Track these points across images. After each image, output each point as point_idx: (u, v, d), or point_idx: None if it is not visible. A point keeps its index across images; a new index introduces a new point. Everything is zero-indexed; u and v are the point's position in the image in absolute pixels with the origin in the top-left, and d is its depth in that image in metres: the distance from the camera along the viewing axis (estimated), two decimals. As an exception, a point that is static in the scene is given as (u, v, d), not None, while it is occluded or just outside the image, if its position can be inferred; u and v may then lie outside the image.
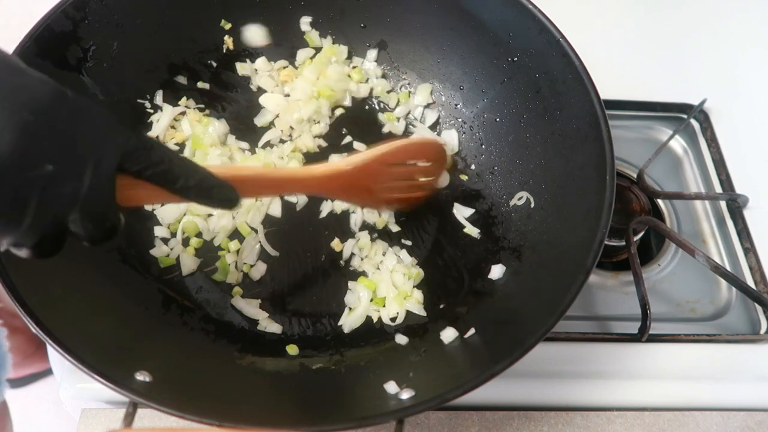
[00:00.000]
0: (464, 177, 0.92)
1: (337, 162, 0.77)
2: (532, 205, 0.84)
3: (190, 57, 0.93)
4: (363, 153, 0.77)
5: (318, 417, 0.62)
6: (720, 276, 0.87)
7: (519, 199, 0.85)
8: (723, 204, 0.99)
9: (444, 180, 0.91)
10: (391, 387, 0.66)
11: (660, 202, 0.99)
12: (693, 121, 1.07)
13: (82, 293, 0.70)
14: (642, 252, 0.93)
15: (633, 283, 0.85)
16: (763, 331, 0.88)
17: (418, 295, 0.82)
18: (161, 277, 0.81)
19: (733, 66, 1.14)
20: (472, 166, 0.92)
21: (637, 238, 0.91)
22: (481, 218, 0.89)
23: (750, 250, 0.93)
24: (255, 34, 0.95)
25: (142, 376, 0.60)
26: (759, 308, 0.89)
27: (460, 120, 0.95)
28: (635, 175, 0.98)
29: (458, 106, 0.95)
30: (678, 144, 1.07)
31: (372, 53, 0.98)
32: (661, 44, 1.16)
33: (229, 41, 0.94)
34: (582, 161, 0.76)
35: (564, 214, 0.78)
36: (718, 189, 1.00)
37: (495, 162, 0.90)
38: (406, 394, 0.64)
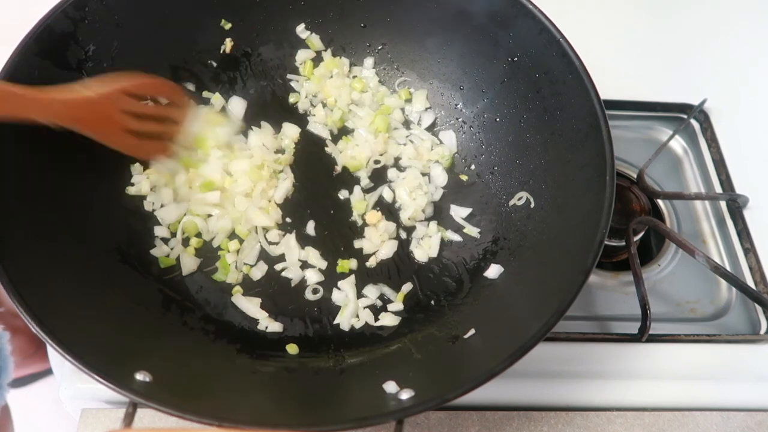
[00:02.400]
0: (464, 177, 0.92)
1: (82, 89, 0.75)
2: (532, 205, 0.84)
3: (190, 57, 0.93)
4: (106, 82, 0.76)
5: (318, 417, 0.62)
6: (720, 276, 0.87)
7: (519, 199, 0.85)
8: (723, 204, 0.99)
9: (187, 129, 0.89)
10: (390, 387, 0.66)
11: (660, 202, 0.99)
12: (693, 121, 1.07)
13: (82, 293, 0.70)
14: (642, 252, 0.93)
15: (633, 283, 0.85)
16: (763, 331, 0.88)
17: (405, 287, 0.83)
18: (161, 277, 0.81)
19: (733, 66, 1.14)
20: (472, 166, 0.92)
21: (637, 238, 0.91)
22: (480, 218, 0.89)
23: (750, 250, 0.93)
24: (236, 106, 0.95)
25: (142, 376, 0.60)
26: (759, 308, 0.89)
27: (460, 120, 0.95)
28: (635, 175, 0.98)
29: (458, 106, 0.95)
30: (678, 144, 1.07)
31: (369, 61, 0.98)
32: (661, 44, 1.16)
33: (228, 42, 0.94)
34: (582, 161, 0.76)
35: (564, 214, 0.77)
36: (718, 189, 1.00)
37: (495, 162, 0.90)
38: (406, 394, 0.64)
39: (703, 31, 1.18)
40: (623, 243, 0.90)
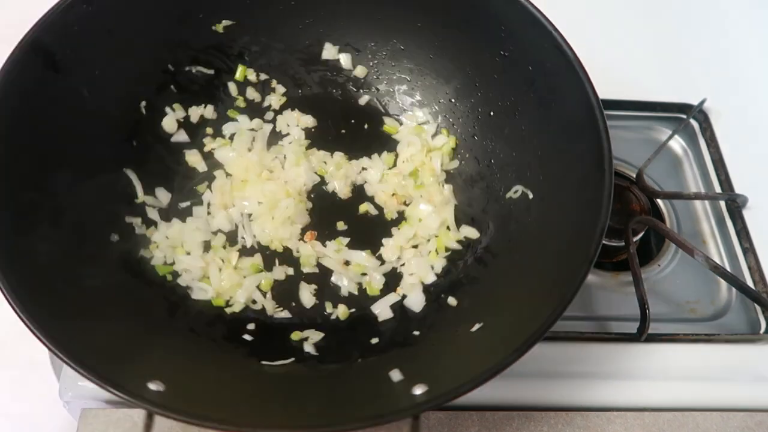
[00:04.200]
0: (460, 171, 0.92)
1: None
2: (531, 198, 0.83)
3: (183, 61, 0.92)
4: None
5: (334, 416, 0.61)
6: (719, 276, 0.87)
7: (515, 192, 0.84)
8: (722, 204, 0.99)
9: None
10: (402, 384, 0.66)
11: (659, 202, 0.99)
12: (693, 121, 1.07)
13: (85, 303, 0.69)
14: (642, 252, 0.94)
15: (632, 283, 0.85)
16: (762, 331, 0.88)
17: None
18: (164, 284, 0.80)
19: (733, 66, 1.14)
20: (468, 160, 0.92)
21: (636, 238, 0.91)
22: (479, 212, 0.88)
23: (749, 250, 0.94)
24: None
25: (155, 386, 0.59)
26: (758, 308, 0.90)
27: (455, 114, 0.94)
28: (635, 175, 0.98)
29: (452, 100, 0.94)
30: (677, 144, 1.07)
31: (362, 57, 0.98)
32: (661, 44, 1.16)
33: (224, 44, 0.94)
34: (579, 152, 0.75)
35: (563, 205, 0.77)
36: (718, 189, 1.00)
37: (491, 155, 0.90)
38: (419, 390, 0.63)
39: (703, 31, 1.18)
40: (623, 243, 0.90)
